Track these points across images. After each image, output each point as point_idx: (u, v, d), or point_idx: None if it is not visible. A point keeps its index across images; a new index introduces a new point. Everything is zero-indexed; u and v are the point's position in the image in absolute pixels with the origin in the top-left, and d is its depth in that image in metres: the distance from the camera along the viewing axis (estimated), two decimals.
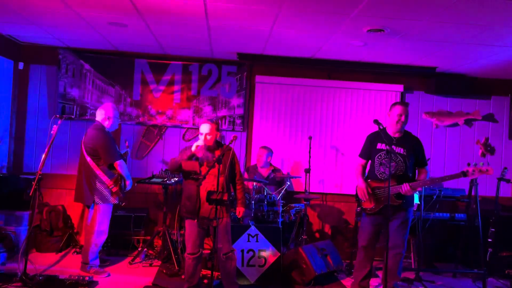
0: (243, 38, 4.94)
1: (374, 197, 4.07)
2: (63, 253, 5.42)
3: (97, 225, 4.64)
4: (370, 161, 4.25)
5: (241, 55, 5.76)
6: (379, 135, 4.11)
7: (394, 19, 3.93)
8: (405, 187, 3.88)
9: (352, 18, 3.97)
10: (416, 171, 4.23)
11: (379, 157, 4.08)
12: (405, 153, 4.03)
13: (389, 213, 3.85)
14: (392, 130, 4.12)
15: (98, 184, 4.56)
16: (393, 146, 4.03)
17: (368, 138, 4.28)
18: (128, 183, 4.71)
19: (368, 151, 4.22)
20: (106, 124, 4.66)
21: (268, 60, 5.87)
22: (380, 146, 4.10)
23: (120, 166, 4.58)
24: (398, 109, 4.06)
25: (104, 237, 4.76)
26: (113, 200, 4.64)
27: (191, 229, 3.91)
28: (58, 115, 4.63)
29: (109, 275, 4.69)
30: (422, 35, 4.38)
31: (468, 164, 3.84)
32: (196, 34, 4.85)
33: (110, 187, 4.58)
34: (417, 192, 5.05)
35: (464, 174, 3.83)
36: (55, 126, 4.55)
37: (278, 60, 5.88)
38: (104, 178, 4.56)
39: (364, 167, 4.28)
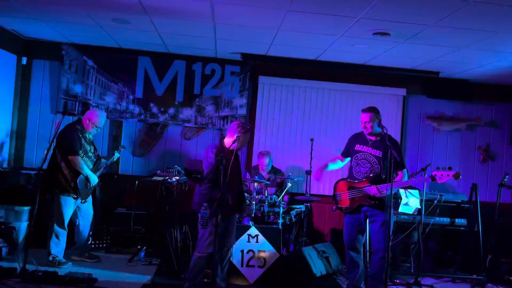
0: (249, 39, 4.94)
1: (349, 196, 4.21)
2: None
3: (55, 215, 4.76)
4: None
5: (245, 55, 5.75)
6: (359, 137, 4.35)
7: (400, 23, 3.93)
8: (372, 190, 4.01)
9: (358, 21, 3.97)
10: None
11: (356, 157, 4.28)
12: (380, 156, 4.15)
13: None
14: (366, 133, 4.28)
15: (59, 176, 4.68)
16: (369, 148, 4.21)
17: (350, 138, 4.51)
18: (91, 179, 4.79)
19: (347, 151, 4.47)
20: (85, 124, 4.83)
21: (272, 61, 5.87)
22: (357, 147, 4.30)
23: (73, 161, 4.65)
24: (361, 116, 4.25)
25: (64, 229, 4.82)
26: (72, 194, 4.74)
27: (212, 228, 3.84)
28: (60, 111, 4.63)
29: (69, 266, 4.77)
30: (427, 39, 4.38)
31: (437, 168, 3.88)
32: (201, 33, 4.84)
33: (69, 181, 4.69)
34: (418, 197, 5.06)
35: (433, 178, 3.87)
36: (57, 122, 4.56)
37: (281, 61, 5.87)
38: (66, 171, 4.67)
39: (336, 162, 4.61)
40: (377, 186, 3.99)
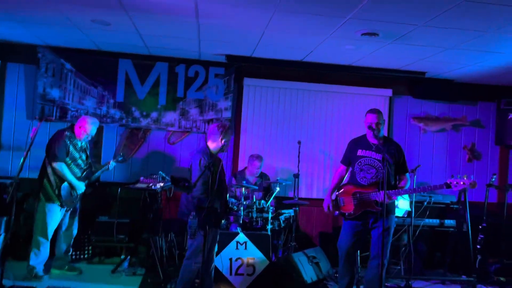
0: (234, 40, 4.80)
1: (354, 202, 4.01)
2: None
3: (39, 224, 4.58)
4: (351, 168, 4.22)
5: (229, 57, 5.61)
6: (360, 141, 4.15)
7: (389, 23, 3.86)
8: (381, 195, 3.82)
9: (347, 21, 3.88)
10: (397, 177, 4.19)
11: (359, 163, 4.07)
12: (385, 160, 3.97)
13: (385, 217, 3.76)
14: (370, 136, 4.09)
15: (46, 182, 4.56)
16: (373, 153, 4.02)
17: (349, 144, 4.28)
18: (76, 187, 4.63)
19: (348, 157, 4.22)
20: (76, 131, 4.68)
21: (257, 62, 5.74)
22: (360, 152, 4.09)
23: (56, 167, 4.51)
24: (370, 116, 4.05)
25: (45, 247, 4.61)
26: (57, 201, 4.57)
27: (201, 238, 3.69)
28: (37, 117, 4.40)
29: (45, 279, 4.56)
30: (414, 39, 4.32)
31: (452, 176, 3.79)
32: (185, 34, 4.68)
33: (54, 188, 4.55)
34: (407, 199, 5.01)
35: (448, 185, 3.77)
36: (34, 129, 4.34)
37: (267, 63, 5.75)
38: (52, 178, 4.55)
39: (343, 176, 4.28)
40: (387, 191, 3.81)
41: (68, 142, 4.60)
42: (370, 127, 3.99)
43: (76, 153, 4.68)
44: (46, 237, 4.60)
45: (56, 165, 4.51)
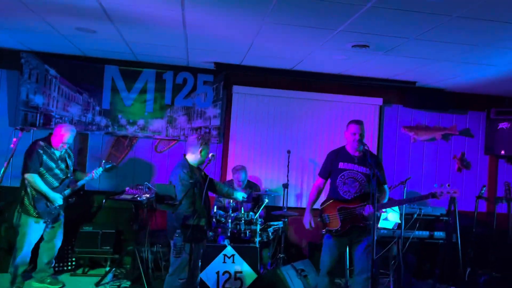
0: (223, 49, 4.70)
1: (340, 218, 3.88)
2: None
3: (18, 237, 4.47)
4: (329, 180, 4.10)
5: (218, 64, 5.50)
6: (340, 154, 4.03)
7: (380, 36, 3.79)
8: (368, 209, 3.76)
9: (338, 33, 3.80)
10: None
11: (342, 176, 3.95)
12: (368, 172, 3.91)
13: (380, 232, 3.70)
14: (351, 148, 4.01)
15: (24, 195, 4.45)
16: (355, 165, 3.94)
17: (329, 156, 4.13)
18: (51, 198, 4.49)
19: (329, 170, 4.07)
20: (52, 140, 4.56)
21: (247, 70, 5.64)
22: (342, 165, 3.98)
23: (28, 179, 4.40)
24: (353, 127, 3.94)
25: (22, 257, 4.49)
26: (34, 214, 4.44)
27: (186, 256, 3.61)
28: (18, 127, 4.25)
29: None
30: (406, 51, 4.27)
31: (436, 186, 3.78)
32: (172, 43, 4.57)
33: (30, 200, 4.42)
34: (397, 211, 4.95)
35: (433, 195, 3.76)
36: (15, 139, 4.21)
37: (257, 71, 5.66)
38: (28, 189, 4.42)
39: (321, 189, 4.14)
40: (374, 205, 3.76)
41: (42, 151, 4.45)
42: (354, 139, 3.90)
43: (51, 163, 4.53)
44: (22, 250, 4.48)
45: (28, 176, 4.38)
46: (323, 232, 3.99)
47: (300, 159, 6.05)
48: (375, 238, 3.82)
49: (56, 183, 4.57)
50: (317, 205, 4.11)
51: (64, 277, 5.05)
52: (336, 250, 3.94)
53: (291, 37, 4.01)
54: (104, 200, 5.12)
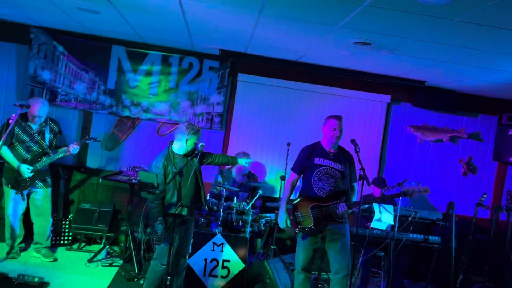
0: (224, 37, 4.65)
1: (314, 215, 3.82)
2: (21, 242, 5.12)
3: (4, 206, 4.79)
4: (302, 176, 4.06)
5: (223, 51, 5.45)
6: (316, 149, 3.97)
7: (381, 34, 3.68)
8: (342, 208, 3.73)
9: (338, 29, 3.70)
10: None
11: (318, 172, 3.88)
12: (342, 169, 3.88)
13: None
14: (328, 144, 3.94)
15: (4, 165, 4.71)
16: (331, 162, 3.89)
17: (303, 151, 4.06)
18: (18, 169, 4.60)
19: (303, 165, 3.99)
20: (28, 114, 4.70)
21: (251, 59, 5.57)
22: (318, 161, 3.92)
23: None
24: (333, 123, 3.88)
25: (7, 226, 4.75)
26: (8, 186, 4.67)
27: (167, 243, 3.66)
28: (17, 104, 4.33)
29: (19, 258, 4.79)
30: (409, 51, 4.14)
31: (406, 182, 3.89)
32: (175, 28, 4.53)
33: (5, 171, 4.67)
34: (392, 213, 4.88)
35: (405, 193, 3.75)
36: (13, 115, 4.33)
37: (261, 60, 5.58)
38: (3, 160, 4.67)
39: (295, 184, 4.09)
40: (346, 203, 3.76)
41: (15, 124, 4.55)
42: (334, 135, 3.85)
43: (24, 135, 4.67)
44: (8, 218, 4.73)
45: None
46: (296, 231, 3.93)
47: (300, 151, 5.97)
48: (347, 235, 3.83)
49: (27, 155, 4.69)
50: None
51: (59, 251, 5.20)
52: (310, 248, 3.91)
53: (290, 30, 3.92)
54: (100, 179, 5.19)
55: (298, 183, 4.16)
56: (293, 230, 4.01)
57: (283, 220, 3.98)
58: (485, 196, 5.09)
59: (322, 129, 3.99)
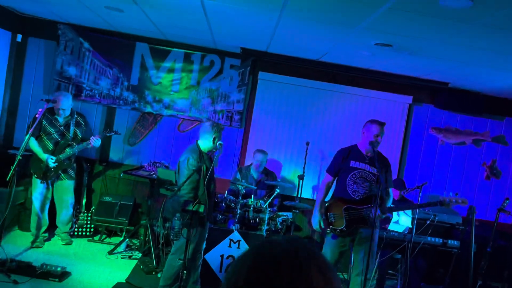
0: (246, 35, 4.69)
1: (346, 217, 3.82)
2: (45, 232, 5.30)
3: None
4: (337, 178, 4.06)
5: (244, 50, 5.49)
6: (352, 152, 3.96)
7: (401, 36, 3.64)
8: (375, 212, 3.71)
9: (359, 30, 3.68)
10: None
11: (354, 175, 3.88)
12: (378, 173, 3.84)
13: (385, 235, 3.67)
14: (366, 148, 3.91)
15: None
16: (367, 165, 3.88)
17: (339, 153, 4.05)
18: (43, 159, 4.82)
19: (339, 167, 3.99)
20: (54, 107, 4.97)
21: (272, 58, 5.60)
22: (353, 164, 3.91)
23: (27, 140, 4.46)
24: (376, 129, 3.85)
25: (33, 214, 4.98)
26: (35, 175, 4.91)
27: (184, 239, 3.73)
28: (44, 99, 4.48)
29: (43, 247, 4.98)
30: (431, 53, 4.09)
31: (445, 194, 3.76)
32: (197, 26, 4.60)
33: (32, 161, 4.90)
34: (410, 216, 4.84)
35: (441, 203, 3.72)
36: (40, 109, 4.48)
37: (282, 59, 5.60)
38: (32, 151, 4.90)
39: (330, 186, 4.08)
40: (381, 208, 3.73)
41: (42, 118, 4.80)
42: (372, 141, 3.82)
43: (51, 128, 4.91)
44: (35, 206, 4.94)
45: (26, 137, 4.52)
46: (328, 231, 3.96)
47: (320, 151, 5.99)
48: (376, 240, 3.81)
49: (51, 146, 4.90)
50: None
51: (81, 241, 5.36)
52: (337, 249, 3.92)
53: (310, 30, 3.93)
54: (121, 174, 5.32)
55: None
56: (324, 230, 4.03)
57: (316, 221, 3.99)
58: (507, 201, 4.98)
59: (363, 132, 3.95)
